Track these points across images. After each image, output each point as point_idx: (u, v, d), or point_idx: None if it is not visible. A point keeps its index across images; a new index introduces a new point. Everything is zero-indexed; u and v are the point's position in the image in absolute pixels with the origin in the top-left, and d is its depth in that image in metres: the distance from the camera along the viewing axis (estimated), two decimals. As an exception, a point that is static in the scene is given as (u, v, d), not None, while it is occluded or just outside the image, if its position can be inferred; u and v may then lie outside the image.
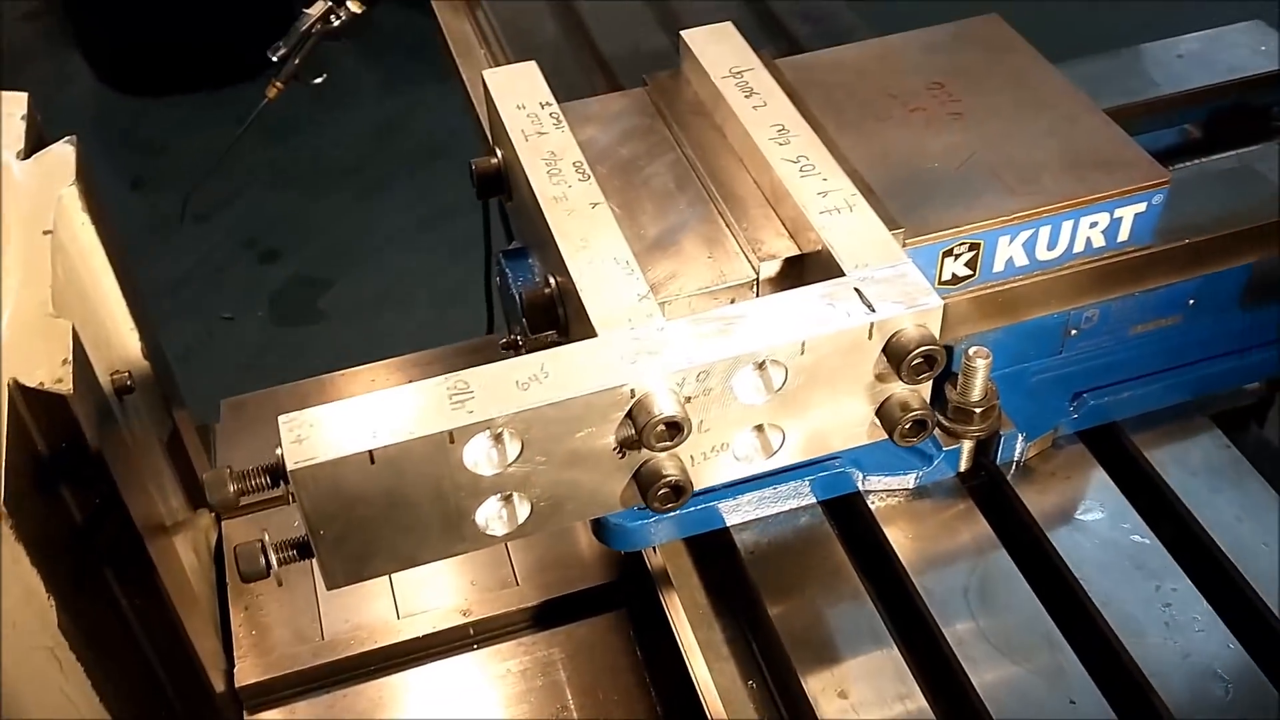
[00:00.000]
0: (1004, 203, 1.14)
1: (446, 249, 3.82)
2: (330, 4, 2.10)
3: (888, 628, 1.14)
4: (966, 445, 1.21)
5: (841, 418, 1.03)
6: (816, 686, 1.09)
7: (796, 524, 1.21)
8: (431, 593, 1.54)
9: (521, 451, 0.94)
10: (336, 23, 2.12)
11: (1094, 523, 1.19)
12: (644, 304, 0.99)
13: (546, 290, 1.10)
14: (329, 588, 0.98)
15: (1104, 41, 1.52)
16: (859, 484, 1.21)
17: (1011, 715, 1.04)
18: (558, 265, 1.07)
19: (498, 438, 0.93)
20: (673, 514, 1.07)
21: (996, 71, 1.29)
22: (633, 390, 0.93)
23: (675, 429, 0.94)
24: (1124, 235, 1.18)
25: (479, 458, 0.94)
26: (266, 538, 0.97)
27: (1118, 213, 1.16)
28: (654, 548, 1.25)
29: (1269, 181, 1.26)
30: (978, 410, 1.18)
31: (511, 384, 0.93)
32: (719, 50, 1.26)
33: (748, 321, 0.97)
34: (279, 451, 0.91)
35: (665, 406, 0.93)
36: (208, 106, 4.38)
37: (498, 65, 1.89)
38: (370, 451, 0.90)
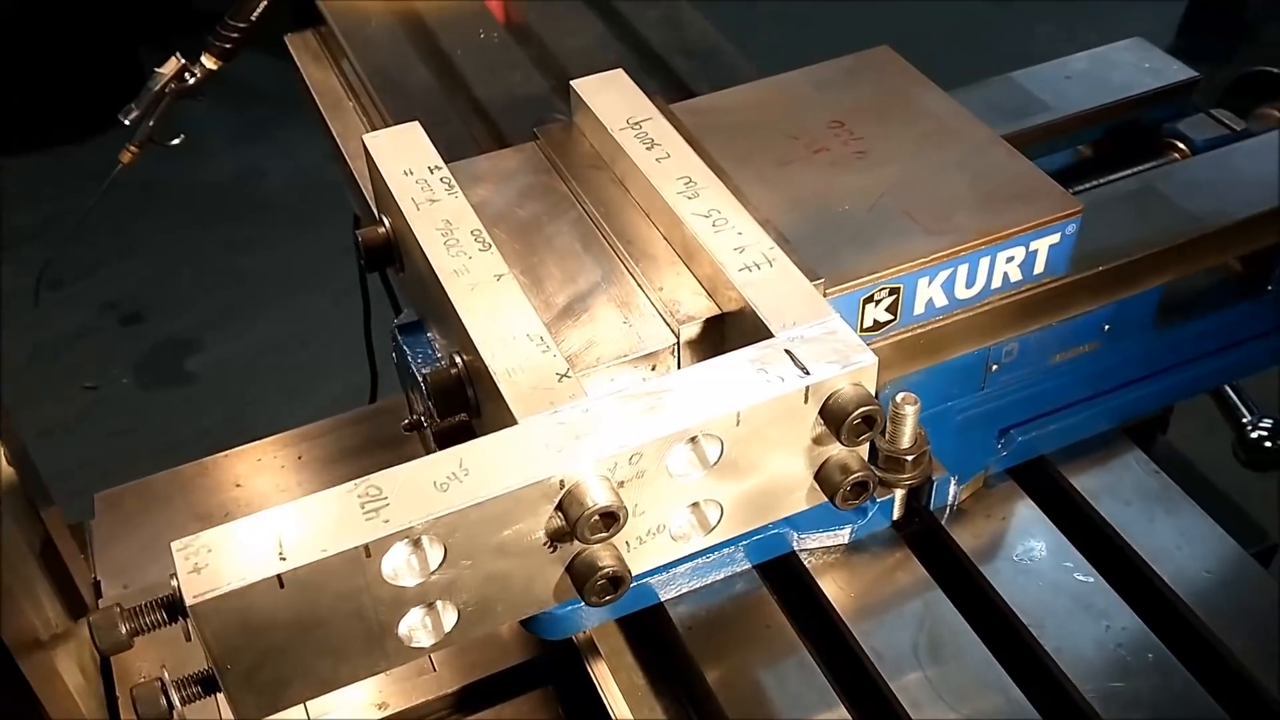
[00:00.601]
0: (921, 244, 1.11)
1: (320, 306, 3.69)
2: (183, 62, 1.98)
3: (835, 689, 1.09)
4: (899, 494, 1.17)
5: (780, 486, 0.97)
6: (768, 761, 1.03)
7: (733, 591, 1.16)
8: (344, 689, 1.44)
9: (445, 557, 0.86)
10: (191, 80, 2.01)
11: (1035, 564, 1.15)
12: (565, 384, 0.93)
13: (453, 371, 1.02)
14: (240, 722, 0.89)
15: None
16: (793, 543, 1.16)
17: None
18: (464, 343, 1.00)
19: (417, 544, 0.85)
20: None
21: (895, 105, 1.26)
22: (562, 481, 0.87)
23: (611, 519, 0.87)
24: (1040, 267, 1.16)
25: (399, 568, 0.86)
26: (166, 675, 0.88)
27: (1033, 245, 1.14)
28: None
29: (1172, 202, 1.25)
30: (909, 458, 1.14)
31: (428, 485, 0.85)
32: (612, 99, 1.20)
33: (677, 395, 0.91)
34: (175, 583, 0.82)
35: (598, 496, 0.86)
36: (59, 167, 4.18)
37: (369, 119, 1.81)
38: (279, 576, 0.81)
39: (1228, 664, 1.08)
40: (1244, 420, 1.53)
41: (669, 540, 0.96)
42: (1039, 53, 1.56)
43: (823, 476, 0.97)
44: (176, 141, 2.18)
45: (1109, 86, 1.42)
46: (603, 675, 1.16)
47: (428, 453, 1.26)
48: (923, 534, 1.20)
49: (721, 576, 1.16)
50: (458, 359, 1.03)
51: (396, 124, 1.66)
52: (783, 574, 1.18)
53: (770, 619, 1.13)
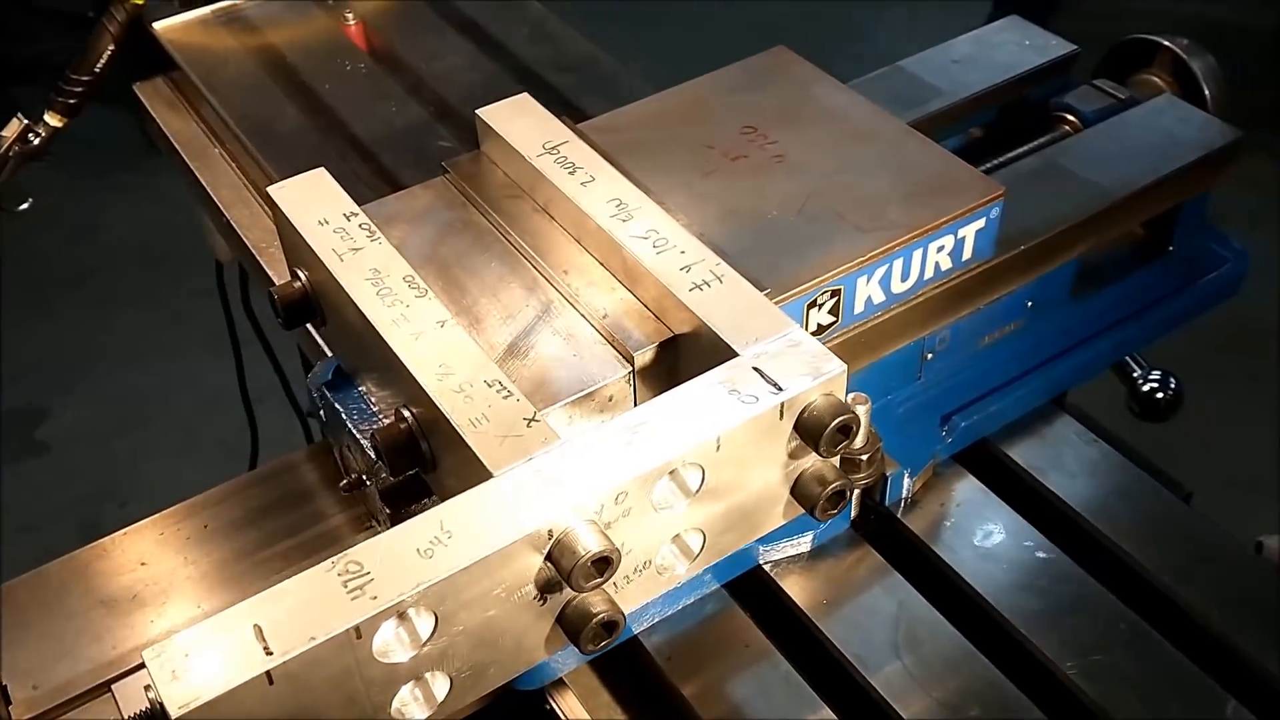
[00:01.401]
0: (857, 243, 1.10)
1: (180, 361, 3.54)
2: (26, 122, 1.86)
3: (818, 694, 1.08)
4: (854, 494, 1.17)
5: (758, 505, 0.95)
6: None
7: (704, 614, 1.13)
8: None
9: (436, 626, 0.81)
10: (36, 140, 1.89)
11: (997, 546, 1.16)
12: (535, 429, 0.89)
13: (402, 426, 0.97)
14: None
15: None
16: (758, 558, 1.15)
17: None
18: (414, 396, 0.95)
19: (404, 617, 0.81)
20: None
21: (803, 105, 1.25)
22: (550, 531, 0.83)
23: (605, 563, 0.84)
24: (968, 254, 1.16)
25: (389, 644, 0.81)
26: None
27: (961, 233, 1.14)
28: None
29: (1077, 175, 1.27)
30: (863, 458, 1.13)
31: (411, 554, 0.81)
32: (523, 125, 1.16)
33: (653, 427, 0.88)
34: (152, 695, 0.75)
35: (589, 542, 0.83)
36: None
37: (240, 164, 1.73)
38: (268, 672, 0.75)
39: (1206, 630, 1.10)
40: (1134, 375, 1.57)
41: (655, 575, 0.93)
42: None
43: (799, 490, 0.96)
44: (25, 207, 2.05)
45: (996, 67, 1.44)
46: (577, 717, 1.13)
47: (370, 512, 1.21)
48: (882, 530, 1.19)
49: (691, 600, 1.13)
50: (406, 412, 0.98)
51: (274, 169, 1.60)
52: (751, 590, 1.16)
53: (748, 637, 1.12)
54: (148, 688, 0.76)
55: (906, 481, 1.18)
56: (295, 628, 0.77)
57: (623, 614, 0.88)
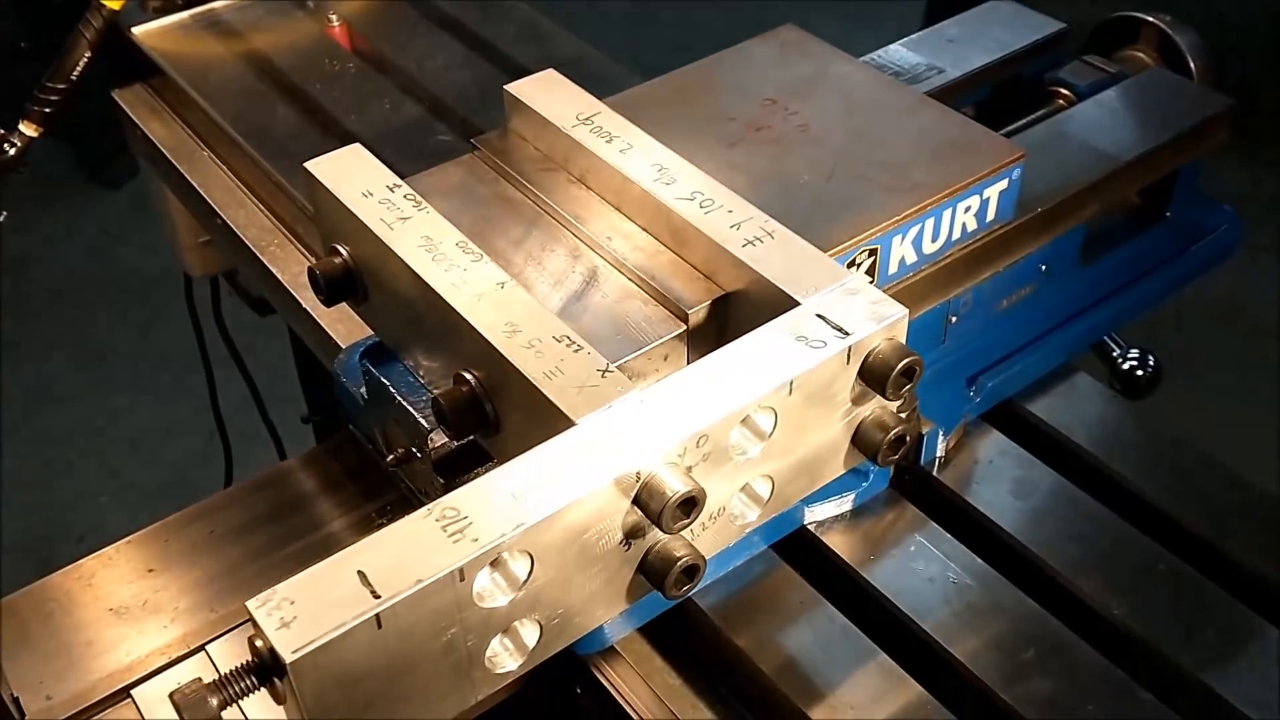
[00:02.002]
0: (890, 203, 1.13)
1: (112, 396, 3.48)
2: (1, 132, 1.83)
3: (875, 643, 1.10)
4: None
5: (822, 452, 0.97)
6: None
7: (753, 575, 1.15)
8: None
9: (531, 570, 0.82)
10: (12, 151, 1.86)
11: (1031, 497, 1.19)
12: (610, 379, 0.90)
13: (464, 389, 0.97)
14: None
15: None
16: (802, 519, 1.16)
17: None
18: (476, 357, 0.96)
19: (498, 564, 0.81)
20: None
21: (820, 78, 1.28)
22: (638, 474, 0.84)
23: (691, 504, 0.85)
24: (991, 215, 1.20)
25: (487, 589, 0.81)
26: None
27: (986, 193, 1.17)
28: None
29: (1081, 144, 1.32)
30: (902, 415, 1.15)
31: (507, 498, 0.81)
32: (555, 99, 1.17)
33: (729, 372, 0.89)
34: (259, 644, 0.75)
35: (676, 484, 0.84)
36: None
37: (232, 166, 1.73)
38: (377, 615, 0.75)
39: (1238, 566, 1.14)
40: (1114, 354, 1.62)
41: (728, 523, 0.94)
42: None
43: (861, 437, 0.97)
44: (0, 219, 2.02)
45: (993, 44, 1.49)
46: (631, 682, 1.13)
47: (411, 492, 1.21)
48: (920, 489, 1.22)
49: (741, 562, 1.14)
50: (468, 375, 0.98)
51: (275, 168, 1.60)
52: (798, 551, 1.17)
53: (801, 593, 1.13)
54: (254, 637, 0.75)
55: (941, 440, 1.20)
56: (400, 572, 0.77)
57: (703, 559, 0.89)
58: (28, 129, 1.84)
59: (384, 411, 1.12)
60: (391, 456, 1.13)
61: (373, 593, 0.76)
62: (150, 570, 1.64)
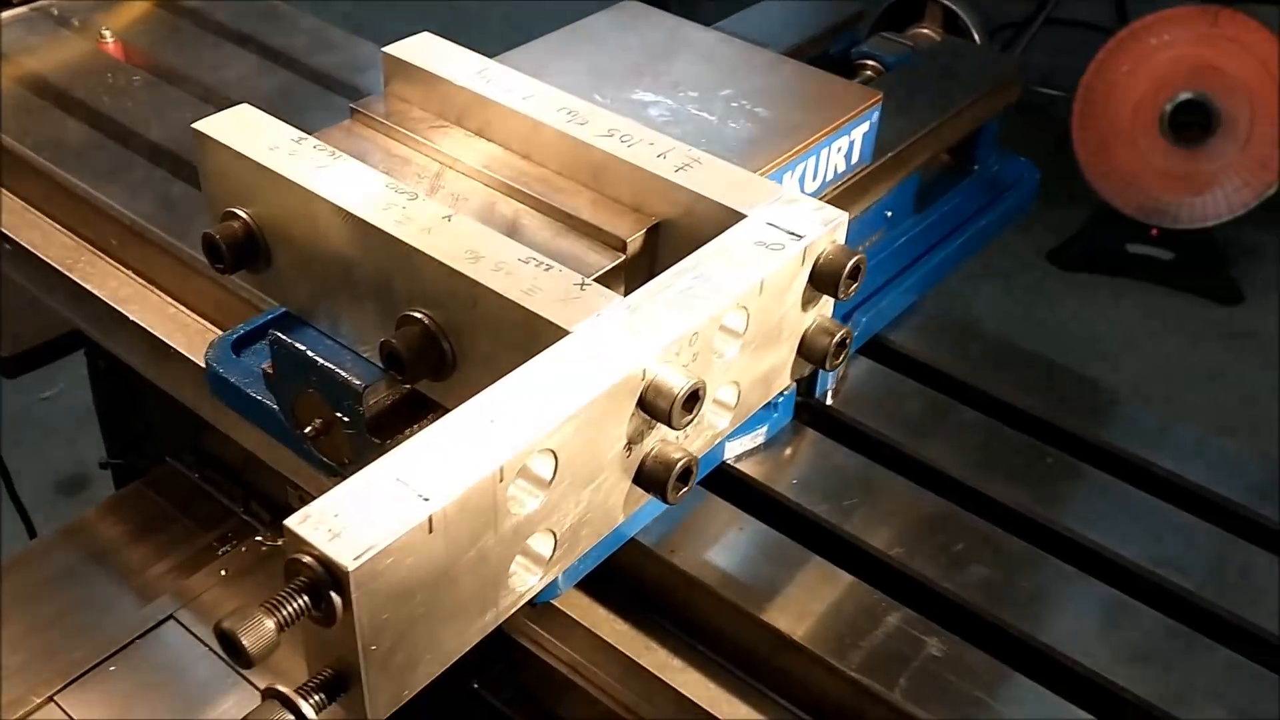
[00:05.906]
0: (778, 143, 1.18)
1: None
2: None
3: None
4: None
5: (774, 360, 1.00)
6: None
7: (688, 510, 1.16)
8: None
9: (554, 473, 0.80)
10: None
11: (918, 414, 1.27)
12: (590, 290, 0.90)
13: (418, 329, 0.94)
14: (372, 720, 0.76)
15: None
16: (724, 455, 1.19)
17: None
18: (429, 296, 0.93)
19: (525, 470, 0.79)
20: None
21: (678, 44, 1.32)
22: (644, 371, 0.84)
23: (694, 399, 0.86)
24: (856, 156, 1.27)
25: (517, 494, 0.79)
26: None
27: (853, 134, 1.25)
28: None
29: (904, 105, 1.41)
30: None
31: (532, 399, 0.80)
32: (441, 57, 1.16)
33: (707, 274, 0.91)
34: (308, 560, 0.69)
35: (678, 380, 0.85)
36: None
37: (19, 188, 1.59)
38: (429, 518, 0.72)
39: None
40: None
41: (709, 428, 0.95)
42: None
43: (808, 343, 1.01)
44: None
45: (801, 25, 1.59)
46: (579, 635, 1.12)
47: (331, 461, 1.14)
48: (821, 421, 1.27)
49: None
50: (418, 315, 0.95)
51: (82, 185, 1.49)
52: (724, 486, 1.20)
53: (733, 516, 1.15)
54: (302, 554, 0.69)
55: (832, 375, 1.26)
56: (443, 476, 0.74)
57: (697, 460, 0.90)
58: None
59: (299, 383, 1.06)
60: (309, 428, 1.07)
61: (422, 496, 0.72)
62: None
